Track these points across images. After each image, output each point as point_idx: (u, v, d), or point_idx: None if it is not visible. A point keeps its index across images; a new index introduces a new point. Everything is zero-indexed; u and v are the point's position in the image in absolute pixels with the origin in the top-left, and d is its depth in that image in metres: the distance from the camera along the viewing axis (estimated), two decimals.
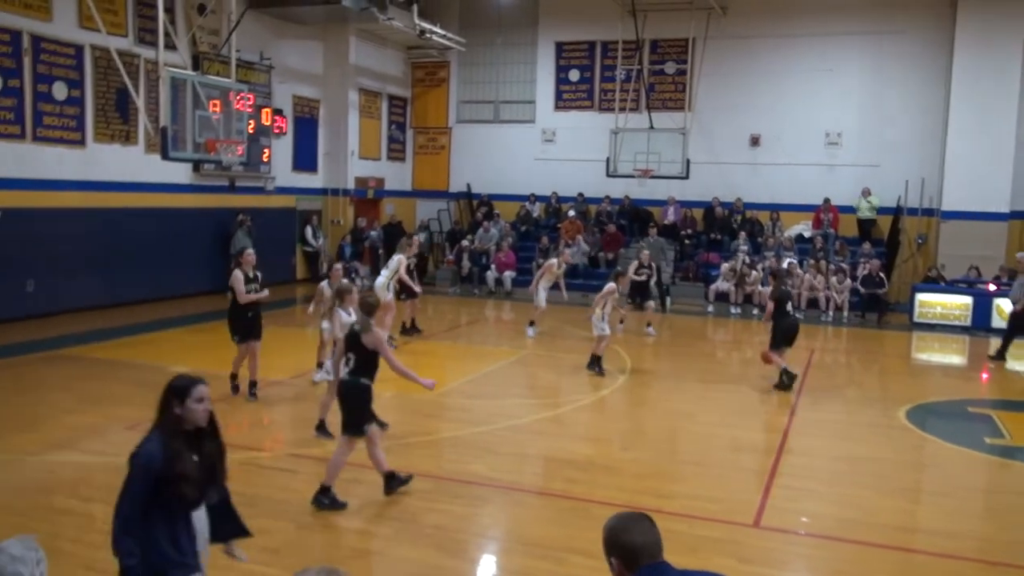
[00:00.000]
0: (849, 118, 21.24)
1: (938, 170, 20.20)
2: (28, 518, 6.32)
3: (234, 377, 10.16)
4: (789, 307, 11.64)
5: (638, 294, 16.07)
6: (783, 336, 11.51)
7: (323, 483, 6.75)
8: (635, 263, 16.25)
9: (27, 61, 14.48)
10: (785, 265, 19.13)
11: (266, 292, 10.14)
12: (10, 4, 14.09)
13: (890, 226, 20.57)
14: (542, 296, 15.01)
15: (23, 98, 14.48)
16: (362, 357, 6.78)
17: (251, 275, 10.02)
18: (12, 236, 14.28)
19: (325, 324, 10.69)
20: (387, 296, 13.15)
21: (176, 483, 3.69)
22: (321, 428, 8.63)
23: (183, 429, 3.83)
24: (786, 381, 11.27)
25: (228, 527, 4.19)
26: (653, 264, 16.87)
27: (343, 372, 6.88)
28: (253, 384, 10.06)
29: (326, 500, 6.68)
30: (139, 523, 3.69)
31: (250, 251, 10.31)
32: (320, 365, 10.83)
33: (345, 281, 10.63)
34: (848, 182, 20.94)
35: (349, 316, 8.62)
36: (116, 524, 3.71)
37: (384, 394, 10.70)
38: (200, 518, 3.96)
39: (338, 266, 11.38)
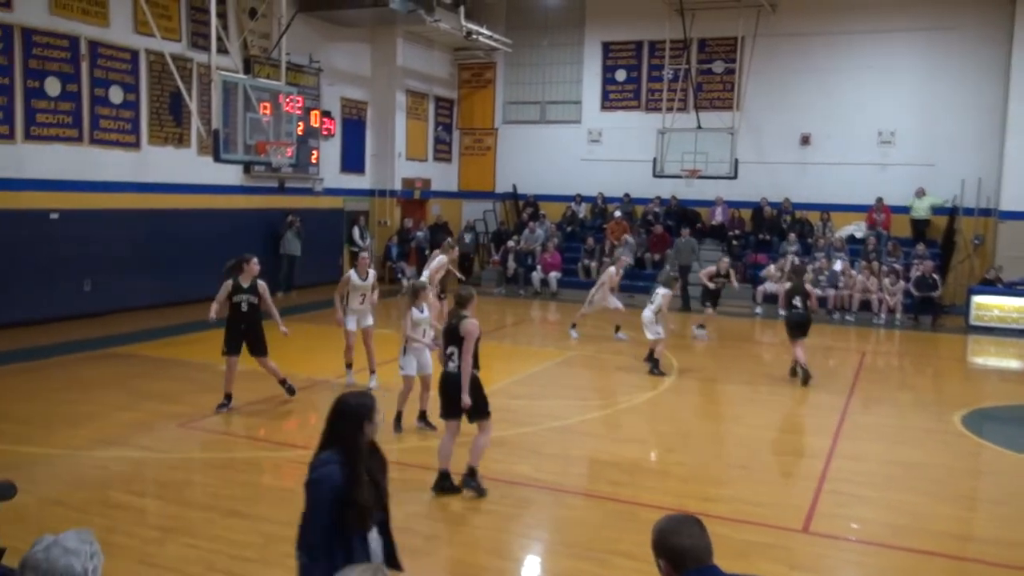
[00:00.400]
0: (903, 116, 20.81)
1: (996, 169, 19.69)
2: (83, 512, 6.47)
3: (229, 397, 9.48)
4: (796, 301, 11.93)
5: (709, 301, 15.65)
6: (788, 328, 11.97)
7: (470, 465, 7.04)
8: (711, 269, 15.82)
9: (84, 66, 14.85)
10: (838, 267, 18.86)
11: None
12: (69, 11, 14.46)
13: (945, 226, 20.11)
14: (595, 304, 14.84)
15: (81, 102, 14.85)
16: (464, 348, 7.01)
17: (245, 285, 9.35)
18: (69, 237, 14.66)
19: (350, 325, 10.63)
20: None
21: (355, 507, 3.54)
22: (422, 418, 8.99)
23: (362, 449, 3.65)
24: (799, 374, 11.66)
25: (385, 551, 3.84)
26: (731, 271, 15.94)
27: (450, 366, 7.07)
28: (284, 381, 9.80)
29: (473, 483, 7.01)
30: (326, 550, 3.53)
31: (255, 260, 9.54)
32: (350, 366, 10.79)
33: (421, 279, 10.60)
34: (901, 182, 20.52)
35: (422, 313, 8.65)
36: (303, 554, 3.60)
37: (431, 393, 10.77)
38: (374, 539, 3.76)
39: (365, 255, 10.94)
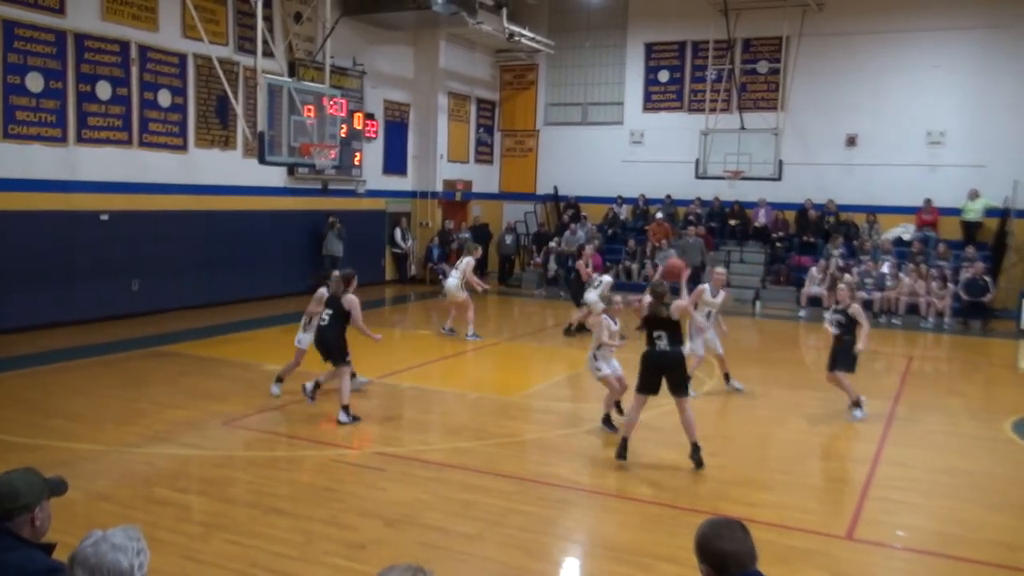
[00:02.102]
0: (953, 116, 20.40)
1: None
2: (129, 508, 6.59)
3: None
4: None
5: (841, 361, 10.09)
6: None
7: (693, 441, 7.93)
8: (830, 315, 10.66)
9: (135, 70, 15.15)
10: (885, 269, 18.53)
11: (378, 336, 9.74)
12: (120, 16, 14.76)
13: (996, 229, 19.66)
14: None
15: (130, 106, 15.15)
16: (672, 330, 7.93)
17: None
18: (119, 237, 14.97)
19: (305, 344, 10.01)
20: (463, 295, 14.18)
21: None
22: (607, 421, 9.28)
23: None
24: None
25: None
26: (855, 304, 10.25)
27: (662, 345, 7.91)
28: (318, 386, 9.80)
29: (699, 455, 7.89)
30: None
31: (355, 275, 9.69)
32: (280, 380, 10.11)
33: (451, 280, 10.98)
34: (951, 183, 20.11)
35: (615, 325, 9.23)
36: None
37: (469, 395, 10.80)
38: None
39: (336, 273, 9.81)
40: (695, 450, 7.88)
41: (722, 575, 2.81)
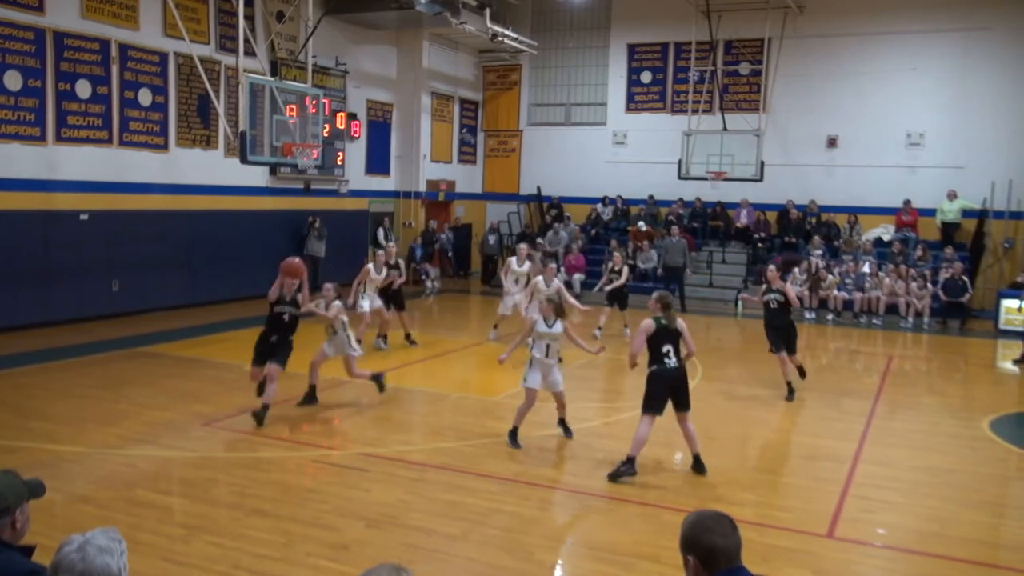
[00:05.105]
0: (932, 118, 20.59)
1: None
2: (109, 510, 6.54)
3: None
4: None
5: (617, 300, 15.32)
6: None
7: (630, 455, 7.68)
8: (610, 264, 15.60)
9: (115, 69, 15.03)
10: (866, 269, 18.69)
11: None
12: (100, 14, 14.64)
13: (974, 229, 19.86)
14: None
15: (111, 104, 15.03)
16: (677, 343, 7.74)
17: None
18: (98, 237, 14.85)
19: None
20: (363, 308, 12.83)
21: None
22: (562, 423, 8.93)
23: None
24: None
25: None
26: (626, 267, 15.64)
27: (671, 363, 7.66)
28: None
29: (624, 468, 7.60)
30: None
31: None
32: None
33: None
34: (930, 184, 20.31)
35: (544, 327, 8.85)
36: None
37: (451, 395, 10.82)
38: None
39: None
40: (697, 461, 7.84)
41: (708, 568, 2.78)
